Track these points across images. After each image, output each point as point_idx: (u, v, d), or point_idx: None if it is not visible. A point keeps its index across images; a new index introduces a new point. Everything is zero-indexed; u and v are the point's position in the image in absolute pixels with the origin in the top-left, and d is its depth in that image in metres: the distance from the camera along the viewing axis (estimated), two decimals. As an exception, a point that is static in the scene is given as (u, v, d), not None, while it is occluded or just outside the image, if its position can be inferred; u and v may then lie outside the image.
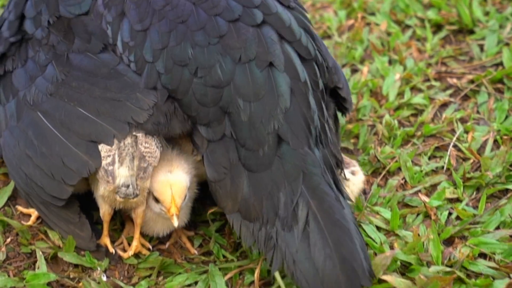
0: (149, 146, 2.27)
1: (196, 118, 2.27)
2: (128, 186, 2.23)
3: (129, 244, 2.38)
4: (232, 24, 2.30)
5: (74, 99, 2.31)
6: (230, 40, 2.28)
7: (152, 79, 2.30)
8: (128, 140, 2.26)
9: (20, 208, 2.46)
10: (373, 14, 3.33)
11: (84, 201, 2.36)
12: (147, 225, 2.37)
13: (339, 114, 2.60)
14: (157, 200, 2.28)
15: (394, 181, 2.57)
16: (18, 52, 2.46)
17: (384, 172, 2.62)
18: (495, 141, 2.69)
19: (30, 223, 2.41)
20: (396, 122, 2.77)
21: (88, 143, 2.25)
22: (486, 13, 3.29)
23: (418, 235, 2.28)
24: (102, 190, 2.26)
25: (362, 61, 3.12)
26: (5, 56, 2.50)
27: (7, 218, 2.41)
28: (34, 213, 2.43)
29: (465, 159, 2.64)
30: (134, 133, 2.27)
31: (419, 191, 2.53)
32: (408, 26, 3.27)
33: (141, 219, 2.34)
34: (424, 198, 2.47)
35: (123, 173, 2.23)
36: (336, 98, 2.55)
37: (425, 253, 2.26)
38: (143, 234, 2.39)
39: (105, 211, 2.32)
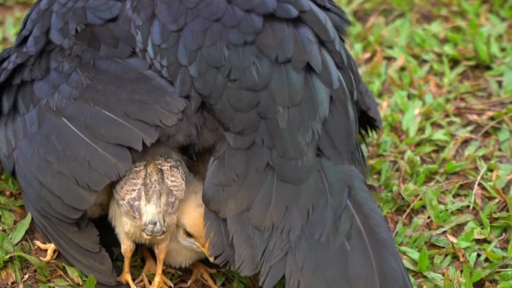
0: (175, 179, 2.11)
1: (230, 125, 2.10)
2: (155, 224, 2.07)
3: (150, 281, 2.21)
4: (267, 21, 2.12)
5: (100, 102, 2.13)
6: (266, 37, 2.11)
7: (186, 85, 2.12)
8: (155, 177, 2.09)
9: (38, 243, 2.29)
10: (390, 47, 3.19)
11: (102, 237, 2.18)
12: (169, 255, 2.20)
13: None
14: (189, 235, 2.12)
15: (419, 220, 2.41)
16: (38, 63, 2.29)
17: (408, 210, 2.47)
18: (520, 180, 2.54)
19: (48, 258, 2.23)
20: (418, 158, 2.62)
21: (116, 146, 2.08)
22: (502, 49, 3.15)
23: (450, 280, 2.12)
24: (127, 227, 2.09)
25: (380, 95, 2.97)
26: (23, 66, 2.32)
27: (25, 254, 2.23)
28: (50, 247, 2.25)
29: (491, 198, 2.49)
30: (159, 167, 2.11)
31: (446, 231, 2.37)
32: (424, 61, 3.13)
33: (164, 254, 2.17)
34: (452, 238, 2.31)
35: (150, 211, 2.06)
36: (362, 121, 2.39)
37: (456, 297, 2.10)
38: (164, 268, 2.22)
39: (127, 247, 2.15)
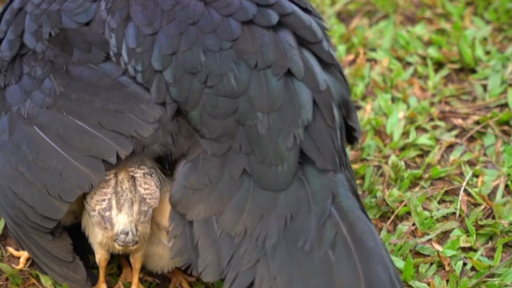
0: (149, 186, 2.01)
1: (205, 132, 1.99)
2: (127, 234, 1.96)
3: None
4: (246, 27, 2.02)
5: (73, 111, 2.02)
6: (245, 44, 2.00)
7: (162, 92, 2.01)
8: (126, 184, 1.99)
9: (10, 249, 2.19)
10: (373, 50, 3.10)
11: (78, 244, 2.08)
12: (151, 260, 2.11)
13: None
14: None
15: (404, 227, 2.33)
16: (11, 68, 2.17)
17: (392, 217, 2.38)
18: (506, 186, 2.46)
19: (20, 266, 2.13)
20: (403, 163, 2.53)
21: (89, 157, 1.97)
22: (487, 52, 3.07)
23: (436, 289, 2.05)
24: (99, 237, 1.99)
25: (363, 98, 2.89)
26: None
27: (-3, 261, 2.13)
28: (23, 255, 2.15)
29: (476, 205, 2.41)
30: (132, 174, 2.00)
31: (431, 238, 2.29)
32: (409, 63, 3.05)
33: (140, 263, 2.07)
34: (437, 247, 2.23)
35: (122, 220, 1.96)
36: None
37: (442, 308, 2.02)
38: (142, 276, 2.12)
39: (101, 257, 2.05)
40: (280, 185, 1.95)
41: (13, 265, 2.14)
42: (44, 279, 2.10)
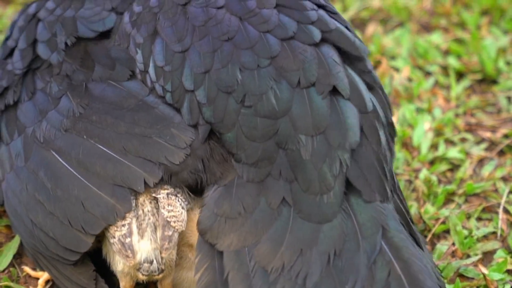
0: (173, 208, 1.72)
1: (242, 156, 1.71)
2: (151, 262, 1.69)
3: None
4: (285, 43, 1.75)
5: (94, 135, 1.75)
6: (285, 61, 1.73)
7: (194, 113, 1.74)
8: (148, 207, 1.71)
9: (27, 269, 1.90)
10: (392, 58, 2.85)
11: (103, 264, 1.80)
12: (181, 286, 1.82)
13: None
14: None
15: (443, 247, 2.08)
16: (23, 83, 1.89)
17: (430, 236, 2.13)
18: (544, 204, 2.23)
19: (39, 288, 1.84)
20: (435, 178, 2.29)
21: (114, 186, 1.70)
22: (507, 63, 2.84)
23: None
24: (120, 266, 1.72)
25: (386, 108, 2.63)
26: (7, 89, 1.92)
27: (13, 283, 1.84)
28: (42, 276, 1.86)
29: (515, 224, 2.17)
30: (154, 195, 1.73)
31: (474, 260, 2.04)
32: (428, 73, 2.80)
33: (169, 290, 1.80)
34: (483, 269, 1.99)
35: (144, 248, 1.68)
36: None
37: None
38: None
39: (125, 284, 1.77)
40: (325, 216, 1.68)
41: (30, 287, 1.85)
42: (65, 302, 1.82)
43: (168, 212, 1.72)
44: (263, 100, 1.71)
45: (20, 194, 1.78)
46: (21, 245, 1.92)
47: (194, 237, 1.76)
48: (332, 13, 1.84)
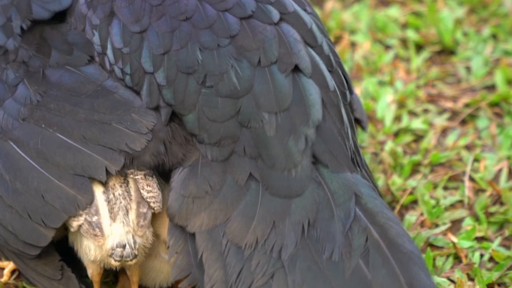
0: (152, 189, 1.64)
1: (204, 137, 1.63)
2: (124, 246, 1.59)
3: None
4: (245, 22, 1.66)
5: (53, 123, 1.64)
6: (245, 40, 1.65)
7: (154, 96, 1.65)
8: (118, 190, 1.62)
9: (-8, 259, 1.79)
10: (352, 33, 2.78)
11: (68, 250, 1.70)
12: (148, 275, 1.74)
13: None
14: None
15: (412, 217, 2.02)
16: None
17: (398, 207, 2.07)
18: (509, 170, 2.18)
19: (5, 278, 1.75)
20: (400, 149, 2.23)
21: (74, 176, 1.59)
22: (465, 34, 2.78)
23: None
24: (91, 253, 1.61)
25: (348, 82, 2.56)
26: None
27: (-22, 274, 1.74)
28: (8, 266, 1.76)
29: (481, 191, 2.13)
30: (131, 176, 1.64)
31: (443, 229, 1.99)
32: (388, 46, 2.74)
33: (138, 276, 1.71)
34: (453, 238, 1.94)
35: (117, 231, 1.59)
36: None
37: (470, 305, 1.73)
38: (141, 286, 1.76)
39: (93, 271, 1.67)
40: (294, 191, 1.60)
41: (-4, 277, 1.76)
42: (32, 291, 1.72)
43: (148, 192, 1.63)
44: (224, 79, 1.63)
45: None
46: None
47: (160, 228, 1.67)
48: None
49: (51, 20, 1.76)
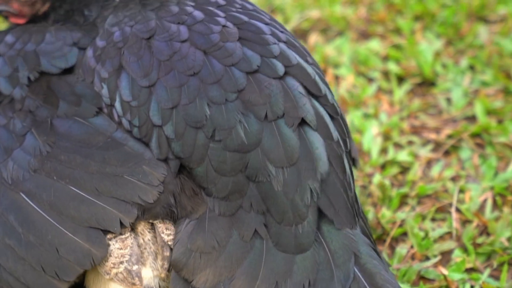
0: (171, 232, 1.61)
1: (212, 190, 1.60)
2: None
3: None
4: (251, 76, 1.64)
5: (65, 176, 1.60)
6: (251, 94, 1.62)
7: (163, 148, 1.62)
8: (147, 236, 1.59)
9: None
10: (336, 67, 2.77)
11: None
12: None
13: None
14: None
15: (402, 250, 2.00)
16: None
17: (389, 240, 2.05)
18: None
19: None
20: (388, 182, 2.21)
21: (89, 229, 1.56)
22: (443, 66, 2.78)
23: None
24: None
25: (334, 116, 2.54)
26: None
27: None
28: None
29: (468, 222, 2.11)
30: (150, 221, 1.61)
31: (433, 261, 1.97)
32: (371, 79, 2.73)
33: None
34: (443, 270, 1.92)
35: (146, 276, 1.57)
36: None
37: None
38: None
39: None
40: (302, 246, 1.58)
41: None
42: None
43: (167, 236, 1.61)
44: (232, 134, 1.60)
45: None
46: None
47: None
48: (293, 46, 1.75)
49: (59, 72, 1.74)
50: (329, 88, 1.76)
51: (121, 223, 1.56)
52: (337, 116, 1.72)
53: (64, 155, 1.61)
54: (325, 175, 1.61)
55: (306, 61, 1.74)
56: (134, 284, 1.56)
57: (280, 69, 1.66)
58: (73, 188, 1.58)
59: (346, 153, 1.70)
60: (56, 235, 1.55)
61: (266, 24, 1.74)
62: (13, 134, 1.66)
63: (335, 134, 1.68)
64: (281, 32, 1.76)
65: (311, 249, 1.57)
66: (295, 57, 1.71)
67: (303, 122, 1.63)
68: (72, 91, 1.69)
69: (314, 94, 1.69)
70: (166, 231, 1.60)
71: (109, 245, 1.56)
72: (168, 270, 1.59)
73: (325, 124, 1.66)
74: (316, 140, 1.63)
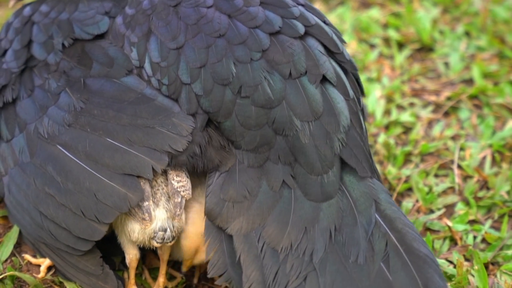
0: (181, 179, 1.62)
1: (241, 143, 1.61)
2: (165, 230, 1.58)
3: (151, 276, 1.74)
4: (273, 37, 1.65)
5: (98, 128, 1.61)
6: (275, 54, 1.63)
7: (193, 103, 1.63)
8: (160, 178, 1.60)
9: (27, 257, 1.74)
10: (339, 33, 2.75)
11: (101, 247, 1.66)
12: (174, 251, 1.72)
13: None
14: None
15: (409, 204, 2.01)
16: (20, 81, 1.73)
17: (395, 195, 2.06)
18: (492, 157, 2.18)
19: (42, 275, 1.70)
20: (392, 141, 2.22)
21: (124, 176, 1.57)
22: (441, 32, 2.78)
23: (466, 270, 1.74)
24: (135, 234, 1.59)
25: (338, 80, 2.53)
26: (5, 87, 1.74)
27: (17, 272, 1.68)
28: (44, 263, 1.71)
29: (468, 177, 2.12)
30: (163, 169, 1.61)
31: (439, 214, 1.98)
32: (372, 45, 2.72)
33: (168, 255, 1.69)
34: (448, 222, 1.93)
35: (160, 216, 1.58)
36: None
37: (469, 285, 1.72)
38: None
39: (132, 257, 1.66)
40: (328, 194, 1.59)
41: (34, 274, 1.70)
42: (69, 286, 1.67)
43: (178, 182, 1.62)
44: (259, 90, 1.61)
45: (28, 188, 1.63)
46: (20, 234, 1.76)
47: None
48: (311, 9, 1.75)
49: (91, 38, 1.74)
50: (344, 48, 1.76)
51: (153, 170, 1.57)
52: (355, 71, 1.73)
53: (97, 110, 1.62)
54: (347, 128, 1.62)
55: (324, 22, 1.75)
56: (144, 219, 1.58)
57: (301, 29, 1.67)
58: (107, 138, 1.59)
59: (360, 110, 1.71)
60: (94, 182, 1.57)
61: None
62: (48, 93, 1.67)
63: (351, 92, 1.69)
64: None
65: (335, 197, 1.59)
66: (313, 18, 1.71)
67: (324, 79, 1.64)
68: (105, 53, 1.69)
69: (333, 51, 1.70)
70: (176, 178, 1.61)
71: (143, 192, 1.57)
72: (182, 213, 1.61)
73: (342, 82, 1.67)
74: (337, 95, 1.65)
